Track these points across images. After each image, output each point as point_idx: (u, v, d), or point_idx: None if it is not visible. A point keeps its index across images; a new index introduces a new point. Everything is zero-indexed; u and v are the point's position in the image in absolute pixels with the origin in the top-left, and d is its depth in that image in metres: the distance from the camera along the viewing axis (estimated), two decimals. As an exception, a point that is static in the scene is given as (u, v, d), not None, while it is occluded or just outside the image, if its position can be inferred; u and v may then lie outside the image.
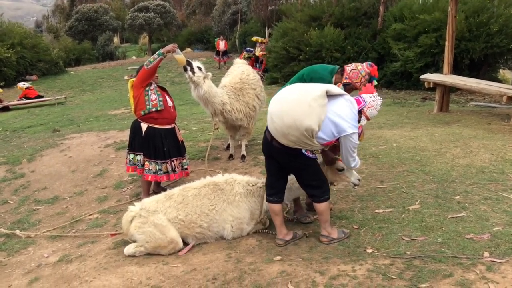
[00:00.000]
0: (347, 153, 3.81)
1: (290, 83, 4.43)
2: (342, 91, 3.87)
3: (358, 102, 3.89)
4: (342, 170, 4.16)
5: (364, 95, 3.98)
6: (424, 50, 13.33)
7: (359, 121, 3.85)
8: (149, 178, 5.48)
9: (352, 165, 3.94)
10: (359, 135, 3.88)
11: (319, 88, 3.65)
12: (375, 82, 4.46)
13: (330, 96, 3.68)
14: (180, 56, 5.54)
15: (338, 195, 5.00)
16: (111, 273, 3.85)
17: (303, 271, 3.46)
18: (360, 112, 3.88)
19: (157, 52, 5.39)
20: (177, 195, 4.40)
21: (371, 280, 3.22)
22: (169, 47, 5.43)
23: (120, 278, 3.73)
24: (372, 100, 3.95)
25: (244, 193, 4.41)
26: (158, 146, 5.43)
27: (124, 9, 51.51)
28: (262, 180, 4.55)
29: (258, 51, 18.74)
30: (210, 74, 5.99)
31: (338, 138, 3.74)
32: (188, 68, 5.68)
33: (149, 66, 5.31)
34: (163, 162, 5.48)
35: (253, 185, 4.48)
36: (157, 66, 5.36)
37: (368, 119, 3.95)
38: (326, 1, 17.61)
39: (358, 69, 4.48)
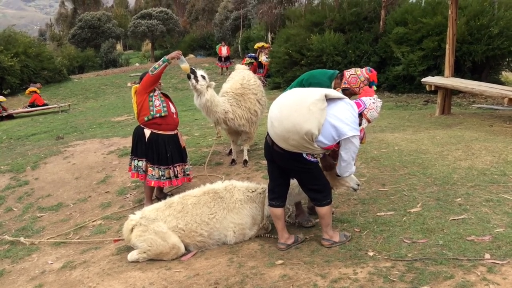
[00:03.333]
0: (347, 158, 3.81)
1: (290, 89, 4.45)
2: (341, 95, 3.89)
3: (358, 105, 3.91)
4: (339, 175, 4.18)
5: (363, 98, 4.00)
6: (427, 53, 13.33)
7: (360, 124, 3.86)
8: (152, 184, 5.51)
9: (347, 174, 3.96)
10: (361, 139, 3.90)
11: (318, 92, 3.67)
12: (374, 88, 4.47)
13: (329, 100, 3.70)
14: (184, 64, 5.59)
15: (340, 198, 5.02)
16: (114, 279, 3.88)
17: (305, 275, 3.48)
18: (360, 115, 3.89)
19: (162, 58, 5.43)
20: (177, 203, 4.41)
21: (372, 283, 3.24)
22: (173, 54, 5.47)
23: (123, 284, 3.75)
24: (372, 102, 3.96)
25: (244, 199, 4.42)
26: (161, 152, 5.46)
27: (127, 16, 51.78)
28: (262, 185, 4.58)
29: (262, 57, 18.82)
30: (213, 83, 6.03)
31: (339, 142, 3.75)
32: (192, 76, 5.72)
33: (154, 73, 5.35)
34: (166, 168, 5.51)
35: (253, 191, 4.50)
36: (161, 73, 5.40)
37: (369, 121, 3.96)
38: (328, 7, 17.65)
39: (357, 74, 4.49)
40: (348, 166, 3.87)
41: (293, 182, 4.24)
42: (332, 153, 4.21)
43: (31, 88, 18.95)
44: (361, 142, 3.90)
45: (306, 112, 3.55)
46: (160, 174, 5.49)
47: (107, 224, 5.51)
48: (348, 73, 4.54)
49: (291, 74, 16.15)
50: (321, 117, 3.58)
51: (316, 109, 3.57)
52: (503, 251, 3.44)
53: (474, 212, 4.18)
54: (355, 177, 4.26)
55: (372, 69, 4.56)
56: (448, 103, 9.69)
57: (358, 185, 4.25)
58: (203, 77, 5.81)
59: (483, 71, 13.43)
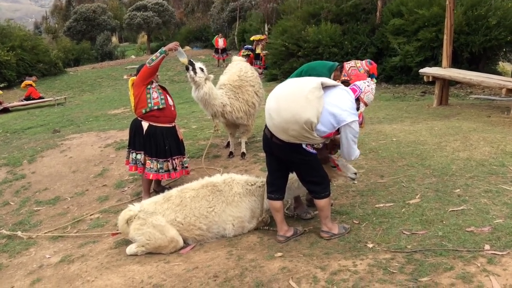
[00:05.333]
0: (348, 143, 3.79)
1: None
2: (336, 82, 3.87)
3: (354, 91, 3.88)
4: (334, 167, 4.17)
5: (357, 83, 3.97)
6: (424, 44, 13.29)
7: (358, 109, 3.84)
8: (151, 177, 5.48)
9: (352, 158, 3.93)
10: (360, 123, 3.88)
11: (314, 80, 3.66)
12: (374, 80, 4.45)
13: (325, 87, 3.70)
14: (183, 58, 5.56)
15: (339, 190, 5.01)
16: (112, 273, 3.86)
17: (304, 267, 3.47)
18: (357, 100, 3.87)
19: (159, 50, 5.38)
20: (175, 196, 4.38)
21: (372, 275, 3.23)
22: (171, 45, 5.43)
23: (121, 277, 3.74)
24: (367, 85, 3.93)
25: (243, 193, 4.39)
26: (159, 145, 5.43)
27: (122, 8, 51.47)
28: (261, 179, 4.55)
29: (259, 49, 18.77)
30: (211, 76, 5.99)
31: (338, 129, 3.73)
32: (190, 68, 5.68)
33: (151, 64, 5.30)
34: (164, 161, 5.48)
35: (252, 185, 4.47)
36: (159, 64, 5.36)
37: (366, 105, 3.93)
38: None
39: (357, 67, 4.47)
40: (351, 150, 3.84)
41: (292, 176, 4.22)
42: (331, 143, 4.20)
43: (27, 81, 18.84)
44: (360, 127, 3.88)
45: (303, 101, 3.54)
46: (158, 167, 5.46)
47: (105, 218, 5.48)
48: (348, 65, 4.51)
49: (288, 66, 16.11)
50: (319, 105, 3.57)
51: (313, 98, 3.55)
52: (503, 242, 3.43)
53: (473, 203, 4.17)
54: (351, 166, 4.25)
55: (372, 62, 4.54)
56: (445, 94, 9.68)
57: (355, 173, 4.23)
58: (202, 69, 5.76)
59: (480, 62, 13.42)
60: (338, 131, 3.76)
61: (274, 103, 3.69)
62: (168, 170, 5.53)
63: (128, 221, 4.32)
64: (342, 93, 3.77)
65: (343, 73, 4.49)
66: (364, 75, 4.19)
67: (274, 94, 3.77)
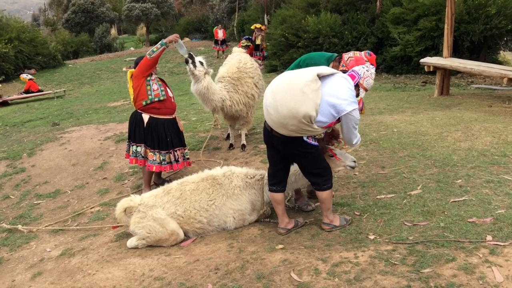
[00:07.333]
0: (349, 131, 3.77)
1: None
2: (334, 70, 3.80)
3: (352, 77, 3.81)
4: (332, 156, 4.15)
5: (356, 68, 3.91)
6: (424, 33, 13.20)
7: (357, 95, 3.79)
8: (154, 169, 5.46)
9: (354, 142, 3.90)
10: (360, 110, 3.84)
11: (310, 72, 3.60)
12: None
13: (323, 77, 3.64)
14: (183, 50, 5.53)
15: (340, 182, 4.99)
16: (113, 266, 3.85)
17: (306, 259, 3.46)
18: (357, 86, 3.81)
19: (160, 42, 5.37)
20: (175, 189, 4.36)
21: (374, 266, 3.21)
22: (171, 37, 5.43)
23: (122, 270, 3.73)
24: (366, 70, 3.87)
25: (243, 186, 4.38)
26: (161, 137, 5.41)
27: (121, 0, 51.17)
28: (260, 172, 4.53)
29: (258, 40, 18.67)
30: (211, 70, 5.94)
31: (339, 118, 3.70)
32: (190, 61, 5.64)
33: (151, 56, 5.27)
34: (167, 152, 5.46)
35: (251, 178, 4.46)
36: (159, 56, 5.34)
37: (366, 90, 3.88)
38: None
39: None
40: (352, 136, 3.82)
41: (292, 168, 4.19)
42: (329, 134, 4.17)
43: (23, 77, 18.81)
44: (360, 113, 3.84)
45: (300, 95, 3.48)
46: (161, 159, 5.44)
47: (105, 211, 5.47)
48: (346, 56, 4.45)
49: (287, 57, 16.05)
50: (316, 97, 3.51)
51: (310, 91, 3.50)
52: (505, 232, 3.42)
53: (475, 194, 4.15)
54: (349, 155, 4.22)
55: (372, 53, 4.47)
56: (446, 83, 9.63)
57: (354, 161, 4.20)
58: (201, 63, 5.72)
59: (481, 51, 13.35)
60: (339, 120, 3.73)
61: (271, 99, 3.64)
62: (171, 162, 5.51)
63: (126, 210, 4.30)
64: (340, 81, 3.70)
65: (341, 63, 4.44)
66: (363, 59, 4.14)
67: (270, 89, 3.71)
